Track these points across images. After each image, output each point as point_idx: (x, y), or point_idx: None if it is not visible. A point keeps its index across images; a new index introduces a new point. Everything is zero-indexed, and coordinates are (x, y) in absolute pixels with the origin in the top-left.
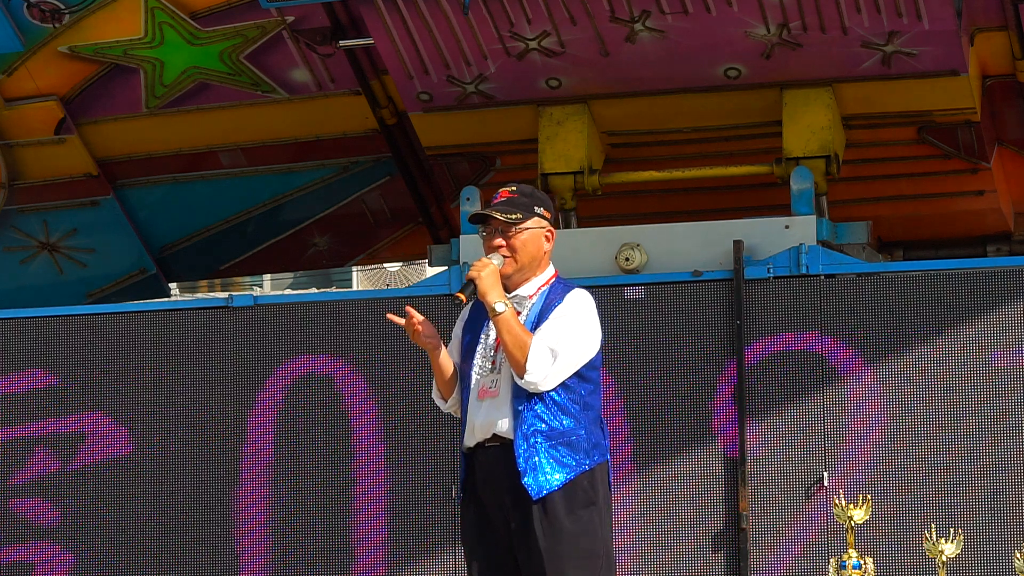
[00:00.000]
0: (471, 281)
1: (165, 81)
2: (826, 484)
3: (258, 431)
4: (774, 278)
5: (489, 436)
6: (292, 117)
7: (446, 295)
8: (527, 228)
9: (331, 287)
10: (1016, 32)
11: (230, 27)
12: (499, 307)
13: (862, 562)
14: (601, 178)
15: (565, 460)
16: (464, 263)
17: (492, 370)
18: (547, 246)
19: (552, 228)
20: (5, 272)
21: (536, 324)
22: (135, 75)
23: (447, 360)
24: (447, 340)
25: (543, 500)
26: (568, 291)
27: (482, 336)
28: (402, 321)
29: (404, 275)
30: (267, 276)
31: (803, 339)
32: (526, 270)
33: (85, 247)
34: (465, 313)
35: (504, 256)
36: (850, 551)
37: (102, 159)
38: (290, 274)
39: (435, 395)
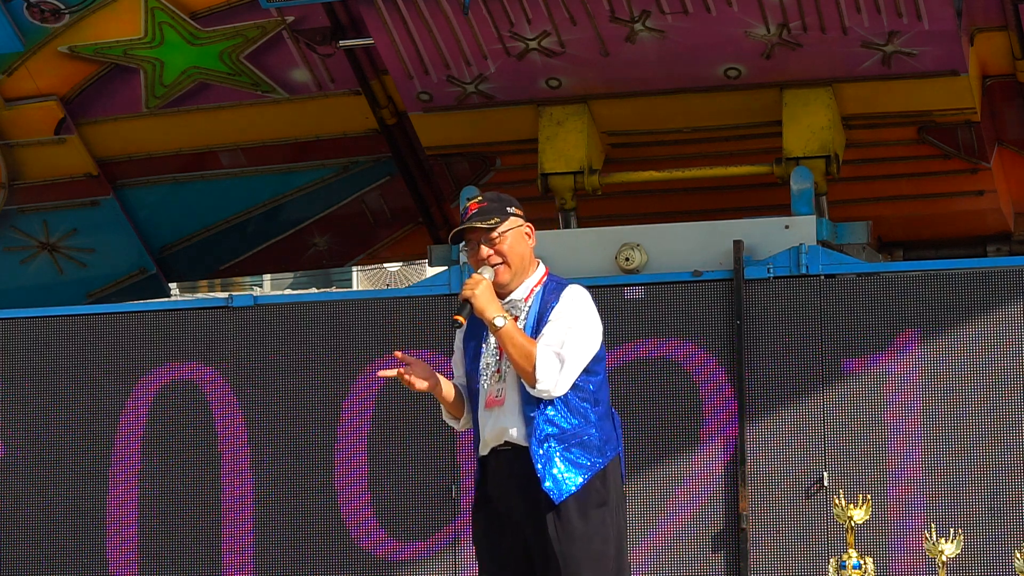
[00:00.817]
0: (466, 301)
1: (165, 81)
2: (826, 484)
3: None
4: (774, 278)
5: (501, 443)
6: (292, 117)
7: (446, 295)
8: (509, 230)
9: (331, 287)
10: (1016, 32)
11: (230, 27)
12: (499, 322)
13: (862, 562)
14: (601, 178)
15: (580, 461)
16: (464, 263)
17: (498, 379)
18: (531, 242)
19: (530, 224)
20: (5, 272)
21: (536, 327)
22: (135, 75)
23: (449, 388)
24: (449, 351)
25: (556, 505)
26: (562, 289)
27: (484, 345)
28: (393, 373)
29: (404, 275)
30: (267, 276)
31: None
32: (520, 273)
33: (85, 247)
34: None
35: (496, 264)
36: (850, 551)
37: (102, 159)
38: (290, 274)
39: (446, 417)
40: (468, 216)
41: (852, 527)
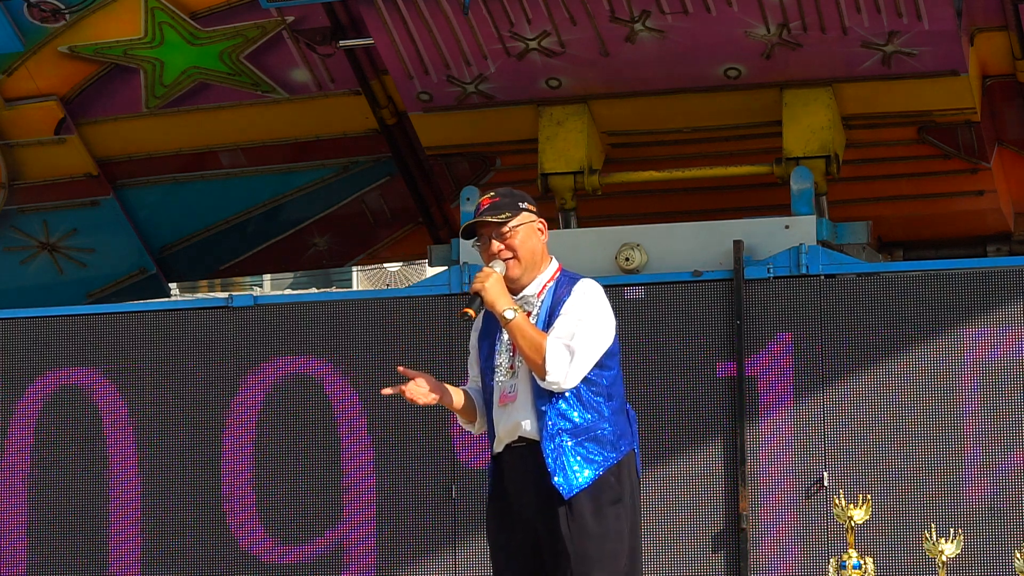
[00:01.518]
0: (476, 294)
1: (165, 81)
2: (826, 484)
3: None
4: (774, 278)
5: (515, 438)
6: (292, 117)
7: (446, 295)
8: (520, 224)
9: (331, 287)
10: (1016, 32)
11: (230, 27)
12: (509, 314)
13: (862, 562)
14: (601, 178)
15: (592, 457)
16: (464, 263)
17: (512, 375)
18: (543, 238)
19: (542, 220)
20: (5, 272)
21: (548, 322)
22: (135, 75)
23: (458, 397)
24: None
25: (570, 501)
26: (574, 283)
27: (498, 343)
28: (394, 390)
29: (404, 275)
30: (267, 276)
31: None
32: (530, 268)
33: (85, 247)
34: (478, 323)
35: (506, 259)
36: (850, 551)
37: (102, 159)
38: (290, 274)
39: (461, 422)
40: (480, 211)
41: (852, 527)
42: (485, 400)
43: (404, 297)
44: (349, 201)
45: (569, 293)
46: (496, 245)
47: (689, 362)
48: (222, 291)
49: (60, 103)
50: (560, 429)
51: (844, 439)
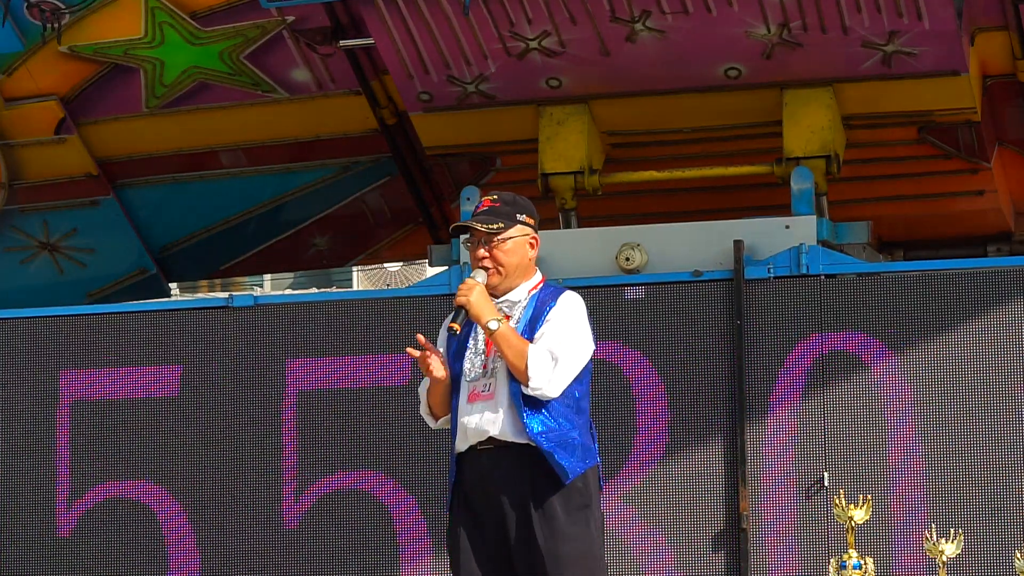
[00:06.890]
0: (461, 307)
1: (165, 81)
2: (826, 484)
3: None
4: (774, 278)
5: (483, 439)
6: (292, 117)
7: (446, 295)
8: (510, 237)
9: (331, 287)
10: (1016, 32)
11: (230, 27)
12: (493, 325)
13: (862, 562)
14: (601, 178)
15: (563, 462)
16: (464, 263)
17: (484, 374)
18: (532, 253)
19: (536, 235)
20: (5, 272)
21: (530, 327)
22: (135, 75)
23: (447, 387)
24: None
25: (542, 504)
26: (559, 293)
27: (470, 341)
28: (418, 353)
29: (404, 275)
30: (267, 276)
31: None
32: (513, 277)
33: (85, 247)
34: (448, 318)
35: (487, 267)
36: (850, 551)
37: (102, 159)
38: (290, 274)
39: (424, 412)
40: (477, 212)
41: (852, 527)
42: (453, 395)
43: (404, 297)
44: (349, 201)
45: (555, 302)
46: (482, 252)
47: (689, 362)
48: (222, 291)
49: (60, 103)
50: (537, 433)
51: (844, 439)
